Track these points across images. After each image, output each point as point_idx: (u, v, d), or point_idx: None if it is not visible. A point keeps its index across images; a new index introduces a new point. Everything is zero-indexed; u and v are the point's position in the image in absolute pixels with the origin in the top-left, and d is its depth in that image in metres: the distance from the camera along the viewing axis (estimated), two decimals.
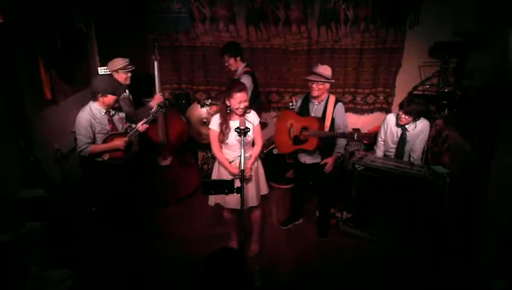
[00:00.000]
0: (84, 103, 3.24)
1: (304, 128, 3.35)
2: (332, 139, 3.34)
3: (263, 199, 3.33)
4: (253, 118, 3.06)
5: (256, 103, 4.09)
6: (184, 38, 4.73)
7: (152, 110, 3.41)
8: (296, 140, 3.41)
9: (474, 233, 3.20)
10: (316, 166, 3.46)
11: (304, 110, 3.45)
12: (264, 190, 3.29)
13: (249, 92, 3.89)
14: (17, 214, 2.83)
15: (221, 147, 3.08)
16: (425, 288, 3.11)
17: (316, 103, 3.37)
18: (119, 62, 3.58)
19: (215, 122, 3.05)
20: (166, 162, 4.17)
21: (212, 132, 3.06)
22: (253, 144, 3.17)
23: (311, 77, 3.28)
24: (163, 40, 4.60)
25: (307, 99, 3.45)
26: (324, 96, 3.34)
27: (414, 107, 3.44)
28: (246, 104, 2.92)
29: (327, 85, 3.30)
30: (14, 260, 2.51)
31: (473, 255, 3.14)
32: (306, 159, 3.51)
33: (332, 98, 3.33)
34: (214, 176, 3.21)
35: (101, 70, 3.83)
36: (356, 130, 4.12)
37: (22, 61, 3.15)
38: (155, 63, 3.91)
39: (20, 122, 3.09)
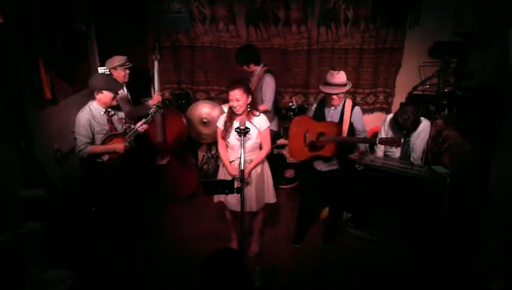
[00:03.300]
0: (84, 103, 3.24)
1: (321, 134, 3.23)
2: (351, 144, 3.25)
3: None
4: (260, 122, 3.03)
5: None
6: (184, 38, 4.73)
7: (151, 110, 3.41)
8: (312, 146, 3.27)
9: (474, 233, 3.19)
10: (333, 173, 3.36)
11: (319, 116, 3.31)
12: (270, 199, 3.23)
13: (273, 92, 3.91)
14: (17, 214, 2.83)
15: (227, 146, 3.10)
16: (425, 288, 3.11)
17: (333, 108, 3.25)
18: (118, 59, 3.61)
19: (221, 121, 3.10)
20: (164, 161, 4.17)
21: (218, 130, 3.12)
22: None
23: (333, 90, 3.12)
24: (163, 40, 4.60)
25: (322, 104, 3.32)
26: (341, 100, 3.24)
27: (408, 123, 3.38)
28: (240, 102, 2.90)
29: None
30: (14, 260, 2.50)
31: (473, 255, 3.14)
32: (322, 166, 3.36)
33: (349, 102, 3.23)
34: (220, 177, 3.23)
35: (101, 70, 3.84)
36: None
37: (22, 61, 3.15)
38: (155, 63, 3.90)
39: (20, 122, 3.10)
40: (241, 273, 1.78)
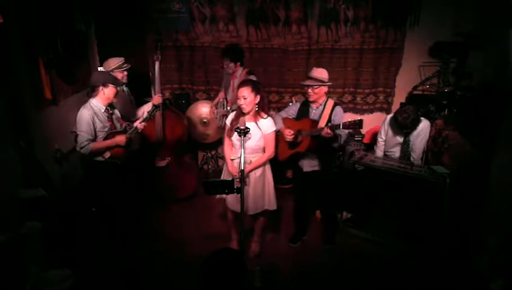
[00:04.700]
0: (84, 103, 3.24)
1: (299, 132, 3.29)
2: (325, 139, 3.16)
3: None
4: (265, 125, 3.02)
5: None
6: (184, 38, 4.73)
7: (149, 109, 3.41)
8: (291, 144, 3.35)
9: (474, 233, 3.19)
10: (315, 174, 3.38)
11: (303, 115, 3.36)
12: (270, 205, 3.22)
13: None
14: (17, 214, 2.83)
15: (232, 145, 3.11)
16: (425, 288, 3.11)
17: (315, 108, 3.30)
18: (114, 62, 3.57)
19: (229, 118, 3.14)
20: (164, 163, 4.16)
21: (226, 127, 3.16)
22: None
23: (306, 82, 3.22)
24: (163, 40, 4.60)
25: (306, 104, 3.37)
26: (322, 100, 3.28)
27: (408, 122, 3.41)
28: (247, 101, 2.91)
29: (324, 88, 3.23)
30: (14, 260, 2.51)
31: (473, 255, 3.14)
32: (305, 166, 3.39)
33: (330, 102, 3.27)
34: (223, 176, 3.25)
35: (101, 70, 3.83)
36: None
37: (22, 61, 3.15)
38: (156, 64, 3.90)
39: (20, 122, 3.09)
40: (241, 273, 1.79)
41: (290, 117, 3.44)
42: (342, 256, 3.45)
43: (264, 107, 3.06)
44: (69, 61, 3.77)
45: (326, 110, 3.24)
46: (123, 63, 3.61)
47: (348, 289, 3.13)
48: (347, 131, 3.17)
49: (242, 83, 2.98)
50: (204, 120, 4.62)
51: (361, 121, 2.93)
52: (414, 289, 3.12)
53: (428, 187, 3.26)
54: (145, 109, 3.79)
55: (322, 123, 3.19)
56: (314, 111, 3.32)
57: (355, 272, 3.26)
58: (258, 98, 2.96)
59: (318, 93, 3.21)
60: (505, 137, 2.93)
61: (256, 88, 2.95)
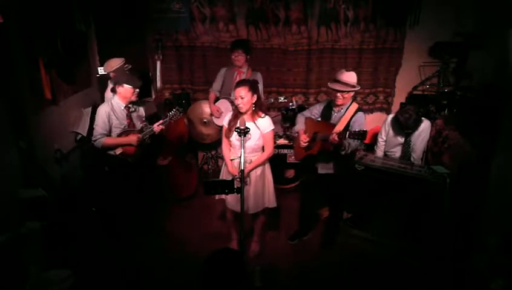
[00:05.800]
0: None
1: (315, 134, 3.25)
2: (336, 145, 3.10)
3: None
4: (264, 124, 3.01)
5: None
6: (184, 38, 4.73)
7: (170, 112, 3.38)
8: (307, 146, 3.31)
9: (474, 233, 3.19)
10: (329, 177, 3.36)
11: (325, 116, 3.31)
12: (270, 203, 3.22)
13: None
14: (17, 214, 2.83)
15: (230, 145, 3.11)
16: (425, 288, 3.11)
17: (336, 111, 3.24)
18: (116, 62, 3.59)
19: (226, 119, 3.13)
20: (166, 161, 4.17)
21: (224, 127, 3.15)
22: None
23: (336, 86, 3.12)
24: (163, 40, 4.60)
25: (329, 106, 3.32)
26: (346, 104, 3.21)
27: (410, 123, 3.41)
28: (244, 100, 2.90)
29: (352, 92, 3.17)
30: (14, 260, 2.51)
31: (473, 255, 3.14)
32: (320, 169, 3.37)
33: (354, 106, 3.19)
34: (222, 176, 3.24)
35: (101, 71, 3.84)
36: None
37: (22, 61, 3.15)
38: (158, 63, 3.90)
39: (20, 122, 3.10)
40: (241, 273, 1.79)
41: (312, 117, 3.39)
42: (342, 256, 3.45)
43: (261, 106, 3.05)
44: (69, 61, 3.77)
45: (347, 115, 3.17)
46: (125, 63, 3.64)
47: (348, 289, 3.13)
48: (356, 140, 3.08)
49: (239, 83, 2.97)
50: (205, 120, 4.61)
51: (365, 132, 2.90)
52: (414, 289, 3.12)
53: (428, 187, 3.26)
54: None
55: (339, 128, 3.11)
56: (335, 114, 3.26)
57: (355, 272, 3.25)
58: (255, 97, 2.96)
59: (346, 98, 3.16)
60: (505, 137, 2.93)
61: (253, 87, 2.94)
